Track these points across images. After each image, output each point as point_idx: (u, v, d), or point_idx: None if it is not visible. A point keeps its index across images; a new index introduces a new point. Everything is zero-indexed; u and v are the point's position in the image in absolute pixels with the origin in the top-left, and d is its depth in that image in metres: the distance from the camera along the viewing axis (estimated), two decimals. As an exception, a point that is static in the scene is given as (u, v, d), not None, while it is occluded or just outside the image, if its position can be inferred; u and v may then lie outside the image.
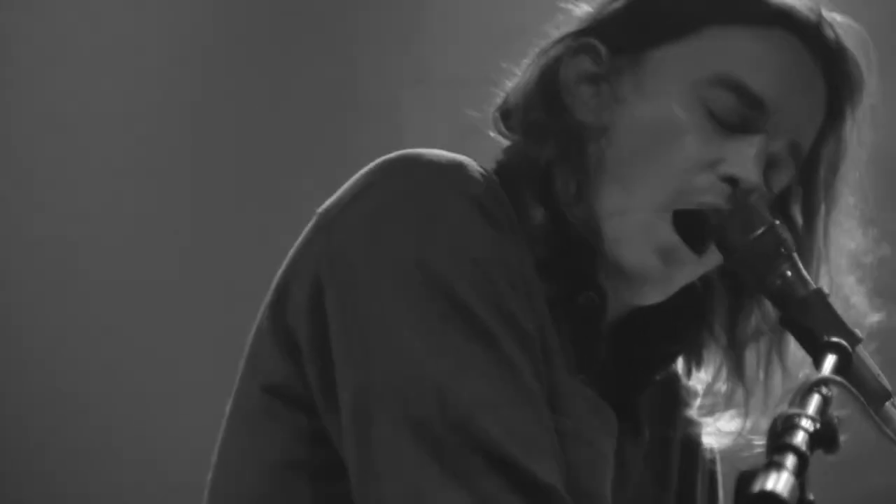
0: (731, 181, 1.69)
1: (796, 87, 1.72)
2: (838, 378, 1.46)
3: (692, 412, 1.89)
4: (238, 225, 5.05)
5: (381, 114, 4.89)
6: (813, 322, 1.59)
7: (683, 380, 1.88)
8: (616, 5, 1.75)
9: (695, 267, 1.72)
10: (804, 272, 1.65)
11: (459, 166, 1.63)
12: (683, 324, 1.81)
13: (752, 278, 1.68)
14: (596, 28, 1.73)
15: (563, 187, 1.69)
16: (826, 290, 1.67)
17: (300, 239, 1.69)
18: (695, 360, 1.85)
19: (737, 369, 1.82)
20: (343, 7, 5.17)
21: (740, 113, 1.70)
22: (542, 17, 1.84)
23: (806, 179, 1.78)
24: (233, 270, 4.97)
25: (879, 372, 1.57)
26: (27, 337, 5.07)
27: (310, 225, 1.69)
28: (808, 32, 1.74)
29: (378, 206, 1.60)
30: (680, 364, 1.88)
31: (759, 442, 1.79)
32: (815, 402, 1.42)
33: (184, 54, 5.17)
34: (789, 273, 1.64)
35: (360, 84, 5.04)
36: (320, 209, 1.68)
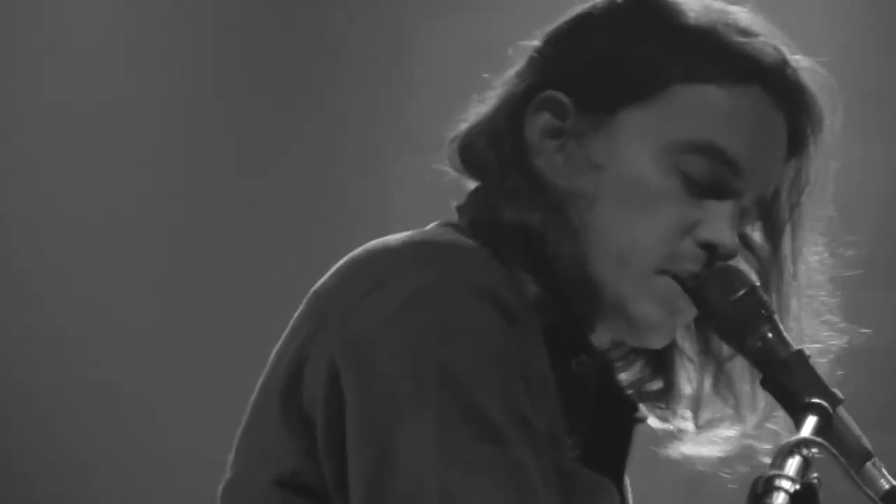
0: (709, 247, 1.70)
1: (766, 144, 1.73)
2: (819, 439, 1.47)
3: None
4: (229, 290, 5.06)
5: (370, 173, 4.92)
6: (794, 383, 1.60)
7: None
8: (580, 58, 1.74)
9: (688, 315, 1.74)
10: (784, 334, 1.66)
11: (472, 256, 1.62)
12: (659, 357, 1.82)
13: (732, 340, 1.69)
14: (559, 80, 1.73)
15: (555, 255, 1.69)
16: (795, 310, 1.68)
17: (300, 320, 1.66)
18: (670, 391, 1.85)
19: (720, 384, 1.82)
20: (332, 73, 5.21)
21: (715, 175, 1.71)
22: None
23: (768, 211, 1.79)
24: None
25: (860, 433, 1.58)
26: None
27: (309, 306, 1.67)
28: (776, 85, 1.73)
29: (394, 303, 1.57)
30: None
31: (763, 447, 1.80)
32: (795, 463, 1.43)
33: (172, 117, 5.19)
34: (770, 335, 1.65)
35: (350, 147, 5.07)
36: (319, 290, 1.66)
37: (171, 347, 5.04)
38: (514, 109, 1.73)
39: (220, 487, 1.72)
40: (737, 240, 1.70)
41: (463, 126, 1.79)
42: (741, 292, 1.67)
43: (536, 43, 1.78)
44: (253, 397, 1.70)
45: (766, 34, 1.73)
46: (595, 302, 1.70)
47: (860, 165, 6.13)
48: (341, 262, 1.69)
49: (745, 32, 1.72)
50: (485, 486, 1.50)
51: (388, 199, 4.72)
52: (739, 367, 1.79)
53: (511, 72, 1.78)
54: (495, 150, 1.73)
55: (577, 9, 1.78)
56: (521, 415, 1.54)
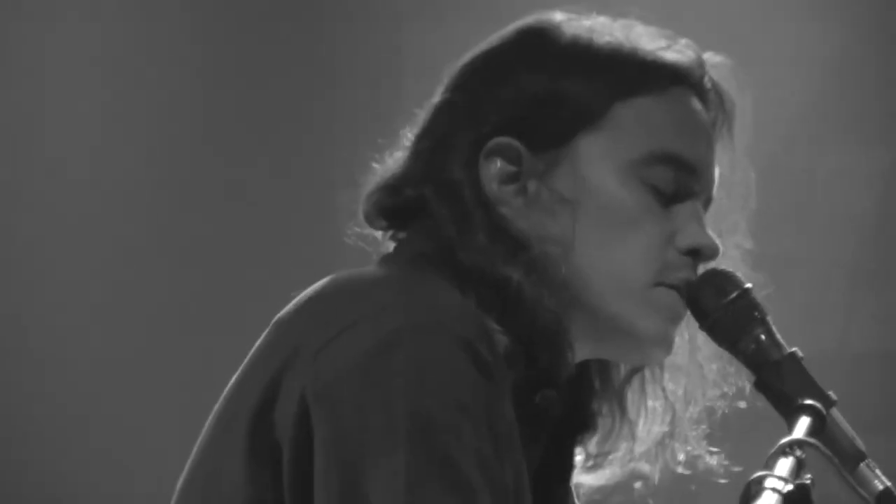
0: (692, 252, 1.71)
1: (704, 141, 1.76)
2: (811, 440, 1.47)
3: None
4: (220, 286, 5.07)
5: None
6: (787, 385, 1.60)
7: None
8: (512, 100, 1.72)
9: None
10: (778, 336, 1.66)
11: (447, 301, 1.60)
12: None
13: (725, 342, 1.69)
14: (499, 126, 1.73)
15: (534, 309, 1.67)
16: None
17: (265, 350, 1.63)
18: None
19: (620, 406, 1.83)
20: (321, 85, 5.23)
21: (678, 181, 1.72)
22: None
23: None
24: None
25: (854, 434, 1.58)
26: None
27: (274, 337, 1.64)
28: (697, 83, 1.76)
29: (368, 345, 1.54)
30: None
31: (649, 470, 1.82)
32: (788, 464, 1.43)
33: (161, 118, 5.21)
34: (763, 337, 1.66)
35: (338, 157, 5.09)
36: (283, 321, 1.64)
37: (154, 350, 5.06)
38: (462, 161, 1.72)
39: None
40: (715, 238, 1.72)
41: (376, 183, 1.78)
42: (733, 295, 1.68)
43: (443, 95, 1.77)
44: (205, 432, 1.67)
45: (667, 36, 1.77)
46: (586, 338, 1.70)
47: (854, 167, 6.15)
48: (307, 294, 1.66)
49: (651, 39, 1.75)
50: None
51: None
52: (631, 392, 1.81)
53: (418, 128, 1.77)
54: (451, 204, 1.71)
55: (483, 51, 1.78)
56: (489, 467, 1.52)
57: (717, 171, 1.78)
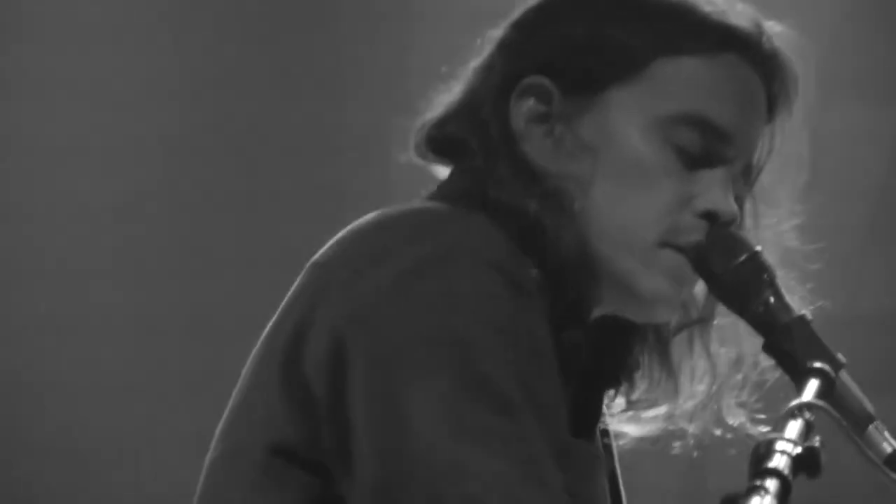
0: (709, 216, 1.70)
1: (749, 110, 1.74)
2: (820, 403, 1.47)
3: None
4: (226, 255, 5.06)
5: (370, 143, 4.93)
6: (796, 348, 1.60)
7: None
8: (558, 42, 1.74)
9: (694, 285, 1.75)
10: (787, 298, 1.66)
11: (477, 228, 1.61)
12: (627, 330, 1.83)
13: (734, 305, 1.69)
14: (540, 66, 1.73)
15: (553, 240, 1.68)
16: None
17: (299, 290, 1.65)
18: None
19: (663, 360, 1.84)
20: (331, 42, 5.22)
21: (706, 147, 1.71)
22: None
23: (751, 177, 1.80)
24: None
25: (863, 396, 1.58)
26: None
27: (309, 277, 1.66)
28: (752, 50, 1.74)
29: (402, 271, 1.56)
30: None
31: (691, 429, 1.83)
32: (797, 426, 1.43)
33: (170, 89, 5.20)
34: (772, 300, 1.65)
35: (349, 115, 5.07)
36: (318, 261, 1.67)
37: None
38: (496, 96, 1.73)
39: (206, 466, 1.70)
40: (735, 206, 1.71)
41: (430, 115, 1.79)
42: (742, 257, 1.68)
43: (502, 31, 1.78)
44: (244, 373, 1.69)
45: (733, 2, 1.75)
46: (600, 280, 1.70)
47: (863, 129, 6.14)
48: (342, 233, 1.68)
49: (713, 2, 1.73)
50: (494, 458, 1.49)
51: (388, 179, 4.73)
52: (677, 346, 1.81)
53: (478, 61, 1.78)
54: (480, 138, 1.72)
55: None
56: (530, 386, 1.53)
57: (765, 141, 1.76)
